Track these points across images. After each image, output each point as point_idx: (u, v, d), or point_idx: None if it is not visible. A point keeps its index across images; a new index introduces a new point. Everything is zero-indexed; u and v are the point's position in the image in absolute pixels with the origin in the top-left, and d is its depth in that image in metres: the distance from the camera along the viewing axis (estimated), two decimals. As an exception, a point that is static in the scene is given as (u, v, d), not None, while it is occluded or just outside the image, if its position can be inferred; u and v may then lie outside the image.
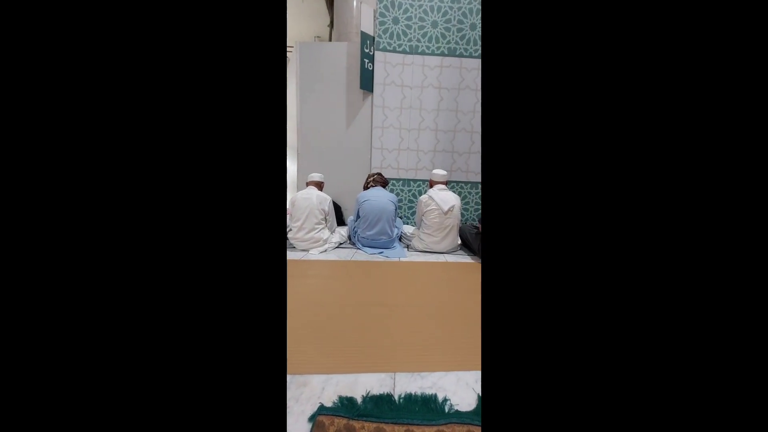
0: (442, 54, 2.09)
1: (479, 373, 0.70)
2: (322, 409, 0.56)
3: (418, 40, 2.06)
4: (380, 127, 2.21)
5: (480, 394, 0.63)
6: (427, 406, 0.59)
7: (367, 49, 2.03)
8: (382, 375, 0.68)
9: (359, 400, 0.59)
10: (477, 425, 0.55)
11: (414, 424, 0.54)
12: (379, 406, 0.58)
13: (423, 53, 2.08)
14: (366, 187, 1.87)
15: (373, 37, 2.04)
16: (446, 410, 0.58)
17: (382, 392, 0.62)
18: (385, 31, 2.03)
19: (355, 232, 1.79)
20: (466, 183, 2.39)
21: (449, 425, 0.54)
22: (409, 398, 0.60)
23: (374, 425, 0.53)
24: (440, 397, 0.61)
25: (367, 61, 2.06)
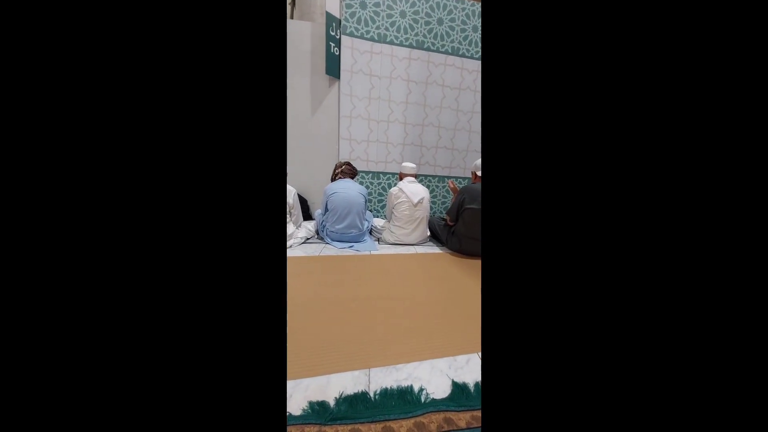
0: (411, 46, 2.08)
1: (452, 359, 0.71)
2: (289, 419, 0.51)
3: (387, 29, 2.01)
4: (348, 117, 2.12)
5: (453, 379, 0.64)
6: (403, 399, 0.57)
7: (332, 32, 1.91)
8: (357, 372, 0.64)
9: (332, 403, 0.55)
10: (453, 411, 0.55)
11: (391, 420, 0.52)
12: (354, 406, 0.55)
13: (392, 43, 2.04)
14: (334, 179, 1.78)
15: (339, 20, 1.93)
16: (423, 400, 0.58)
17: (356, 391, 0.58)
18: (352, 15, 1.93)
19: (324, 227, 1.70)
20: (434, 177, 2.45)
21: (426, 415, 0.54)
22: (385, 393, 0.58)
23: (349, 427, 0.50)
24: (416, 388, 0.60)
25: (333, 44, 1.94)
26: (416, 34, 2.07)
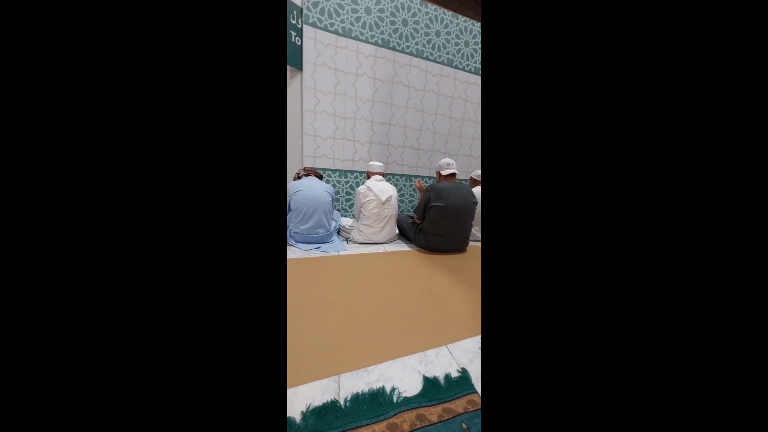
0: (376, 44, 2.07)
1: (423, 354, 0.72)
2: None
3: (352, 24, 1.97)
4: (312, 112, 2.02)
5: (424, 375, 0.64)
6: (375, 402, 0.56)
7: (294, 20, 1.79)
8: (325, 381, 0.60)
9: (298, 418, 0.51)
10: (425, 406, 0.55)
11: (363, 426, 0.50)
12: (323, 417, 0.51)
13: (357, 39, 2.00)
14: (297, 179, 1.68)
15: (301, 9, 1.82)
16: (395, 400, 0.57)
17: (325, 401, 0.55)
18: (315, 5, 1.84)
19: (288, 228, 1.59)
20: (401, 176, 2.49)
21: (398, 415, 0.53)
22: (356, 398, 0.56)
23: (318, 442, 0.46)
24: (388, 389, 0.59)
25: (294, 34, 1.82)
26: (382, 33, 2.07)
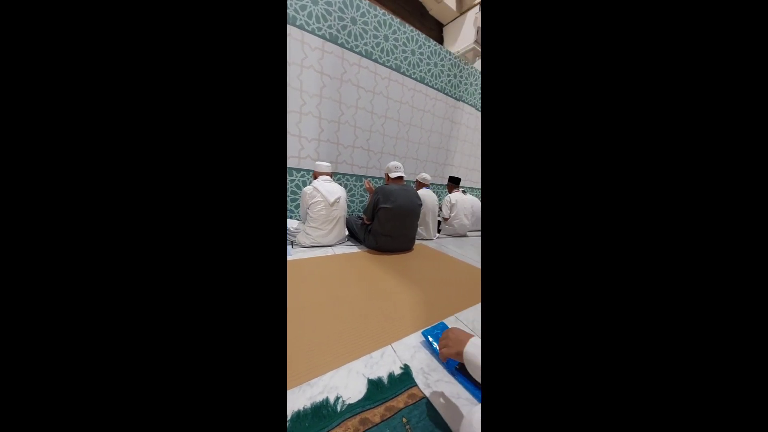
0: (324, 38, 1.98)
1: (368, 356, 0.73)
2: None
3: (296, 11, 1.83)
4: (250, 101, 1.80)
5: (369, 378, 0.66)
6: (318, 416, 0.54)
7: None
8: (262, 404, 0.55)
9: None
10: (368, 409, 0.57)
11: (303, 444, 0.48)
12: (258, 445, 0.47)
13: (302, 28, 1.88)
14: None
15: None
16: (339, 409, 0.56)
17: (261, 426, 0.50)
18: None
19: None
20: (351, 175, 2.47)
21: (342, 424, 0.53)
22: (297, 417, 0.53)
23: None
24: (331, 399, 0.58)
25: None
26: (329, 27, 2.00)
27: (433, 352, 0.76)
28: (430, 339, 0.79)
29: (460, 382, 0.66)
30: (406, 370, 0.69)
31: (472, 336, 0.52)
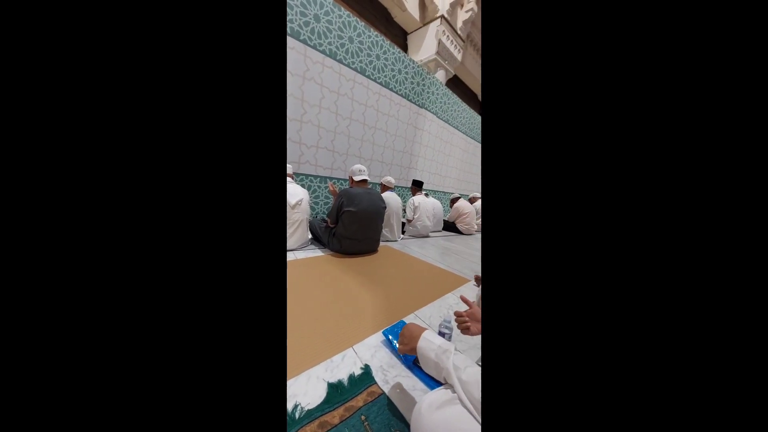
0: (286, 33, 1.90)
1: (329, 360, 0.74)
2: None
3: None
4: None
5: (328, 382, 0.67)
6: (274, 426, 0.53)
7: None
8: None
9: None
10: (327, 412, 0.58)
11: (258, 458, 0.47)
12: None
13: (260, 19, 1.77)
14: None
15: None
16: (297, 416, 0.56)
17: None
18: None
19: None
20: (315, 177, 2.40)
21: (299, 430, 0.53)
22: None
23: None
24: (290, 408, 0.58)
25: None
26: (290, 21, 1.92)
27: (393, 349, 0.80)
28: (390, 337, 0.84)
29: (417, 375, 0.71)
30: (366, 369, 0.72)
31: (425, 330, 0.57)
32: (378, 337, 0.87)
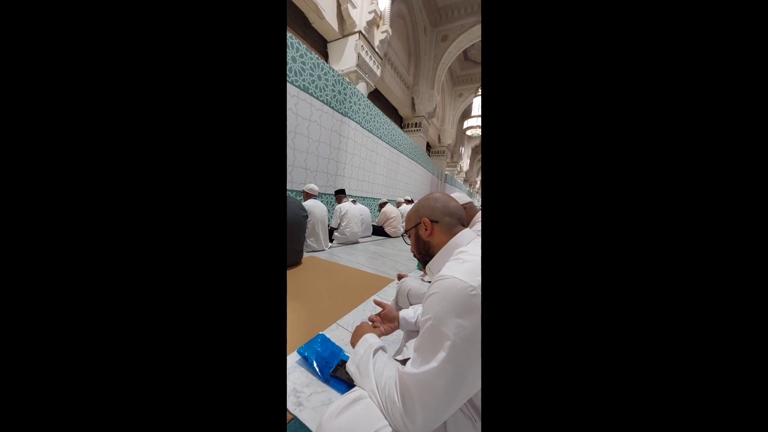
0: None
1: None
2: None
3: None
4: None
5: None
6: None
7: None
8: None
9: None
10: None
11: None
12: None
13: None
14: None
15: None
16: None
17: None
18: None
19: None
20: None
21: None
22: None
23: None
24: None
25: None
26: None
27: (309, 367, 0.76)
28: (306, 355, 0.79)
29: (332, 387, 0.69)
30: (277, 397, 0.65)
31: (368, 333, 0.53)
32: (293, 357, 0.81)
